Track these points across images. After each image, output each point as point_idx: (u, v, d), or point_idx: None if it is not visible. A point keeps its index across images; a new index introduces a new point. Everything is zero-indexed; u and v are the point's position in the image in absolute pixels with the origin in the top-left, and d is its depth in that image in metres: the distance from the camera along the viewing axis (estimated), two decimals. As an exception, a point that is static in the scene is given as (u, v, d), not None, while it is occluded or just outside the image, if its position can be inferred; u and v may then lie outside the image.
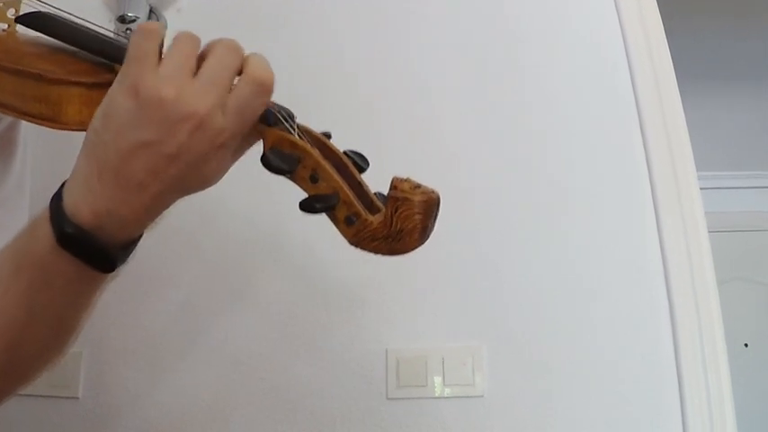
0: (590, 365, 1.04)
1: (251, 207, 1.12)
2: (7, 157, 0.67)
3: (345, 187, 0.49)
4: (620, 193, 1.12)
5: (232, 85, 0.48)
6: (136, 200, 0.48)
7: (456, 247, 1.08)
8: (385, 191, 0.49)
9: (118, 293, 1.06)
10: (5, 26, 0.56)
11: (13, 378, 0.56)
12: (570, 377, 1.04)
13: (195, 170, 0.48)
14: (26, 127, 0.68)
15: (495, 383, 1.04)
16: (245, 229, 1.12)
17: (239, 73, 0.49)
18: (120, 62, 0.49)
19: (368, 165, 0.52)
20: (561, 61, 1.19)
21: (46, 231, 0.48)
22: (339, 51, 1.20)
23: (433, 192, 0.48)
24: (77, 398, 1.07)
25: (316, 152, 0.49)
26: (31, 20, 0.54)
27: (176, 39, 0.48)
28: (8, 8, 0.56)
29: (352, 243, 0.49)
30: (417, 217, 0.47)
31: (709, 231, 1.10)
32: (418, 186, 0.48)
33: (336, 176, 0.49)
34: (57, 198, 0.49)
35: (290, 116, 0.50)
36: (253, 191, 1.08)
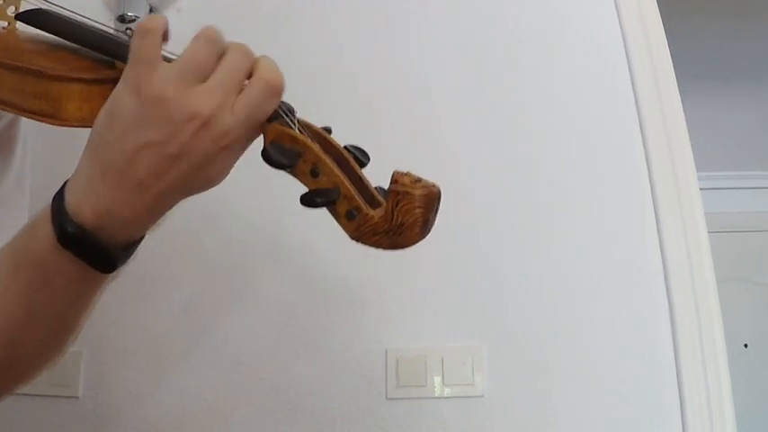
0: (590, 365, 1.04)
1: (252, 208, 1.12)
2: (7, 155, 0.67)
3: (346, 182, 0.48)
4: (619, 194, 1.12)
5: (241, 87, 0.48)
6: (138, 201, 0.47)
7: (456, 247, 1.08)
8: (385, 187, 0.49)
9: (118, 293, 1.06)
10: (5, 24, 0.56)
11: (11, 376, 0.56)
12: (570, 377, 1.04)
13: (198, 171, 0.48)
14: (26, 124, 0.68)
15: (494, 383, 1.04)
16: (245, 230, 1.12)
17: (249, 76, 0.48)
18: (121, 58, 0.48)
19: (368, 159, 0.52)
20: (561, 61, 1.19)
21: (46, 230, 0.48)
22: (339, 51, 1.20)
23: (433, 185, 0.48)
24: (77, 397, 1.07)
25: (316, 147, 0.49)
26: (31, 17, 0.54)
27: (194, 39, 0.48)
28: (8, 6, 0.56)
29: (353, 237, 0.49)
30: (418, 211, 0.47)
31: (709, 231, 1.10)
32: (419, 180, 0.48)
33: (337, 171, 0.49)
34: (58, 197, 0.49)
35: (291, 111, 0.50)
36: (254, 192, 1.08)
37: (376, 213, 0.48)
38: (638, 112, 1.14)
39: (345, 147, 0.51)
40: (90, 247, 0.48)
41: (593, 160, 1.14)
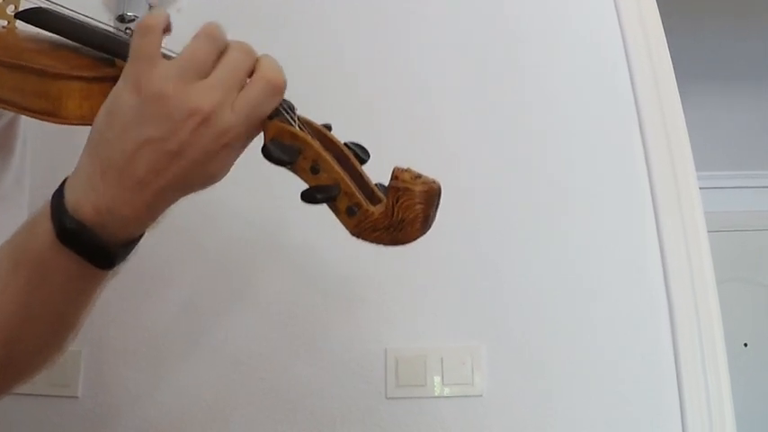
0: (590, 365, 1.04)
1: (252, 207, 1.12)
2: (6, 154, 0.67)
3: (346, 178, 0.49)
4: (619, 193, 1.12)
5: (243, 85, 0.48)
6: (138, 198, 0.47)
7: (456, 247, 1.08)
8: (386, 184, 0.49)
9: (118, 292, 1.06)
10: (5, 23, 0.56)
11: (11, 374, 0.55)
12: (570, 377, 1.04)
13: (198, 168, 0.48)
14: (26, 123, 0.68)
15: (494, 383, 1.05)
16: (245, 229, 1.12)
17: (250, 75, 0.48)
18: (121, 56, 0.48)
19: (368, 156, 0.52)
20: (561, 61, 1.19)
21: (46, 227, 0.48)
22: (339, 51, 1.20)
23: (434, 181, 0.48)
24: (77, 397, 1.07)
25: (316, 143, 0.49)
26: (31, 15, 0.54)
27: (195, 35, 0.48)
28: (8, 5, 0.56)
29: (353, 234, 0.49)
30: (419, 207, 0.47)
31: (709, 231, 1.10)
32: (419, 176, 0.48)
33: (337, 167, 0.49)
34: (58, 195, 0.49)
35: (291, 108, 0.50)
36: (254, 191, 1.08)
37: (376, 209, 0.48)
38: (638, 112, 1.14)
39: (345, 143, 0.51)
40: (89, 243, 0.48)
41: (592, 160, 1.14)
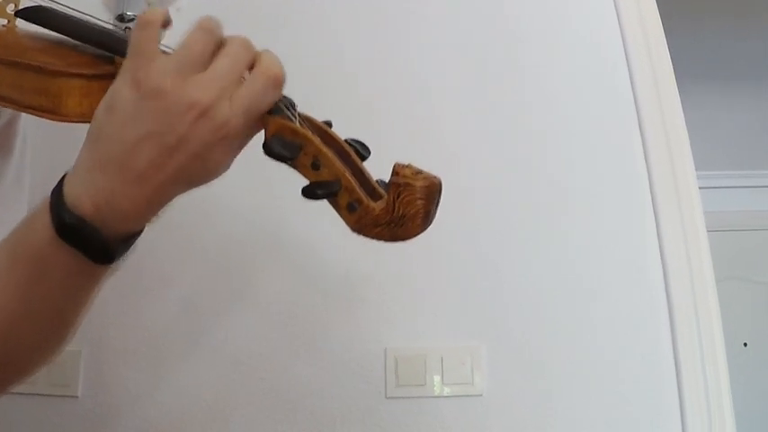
0: (589, 365, 1.05)
1: (252, 207, 1.12)
2: (6, 152, 0.67)
3: (347, 174, 0.48)
4: (619, 193, 1.12)
5: (241, 79, 0.48)
6: (138, 193, 0.47)
7: (456, 247, 1.08)
8: (386, 180, 0.49)
9: (118, 291, 1.06)
10: (5, 22, 0.57)
11: (10, 371, 0.55)
12: (570, 377, 1.04)
13: (197, 162, 0.47)
14: (26, 120, 0.68)
15: (494, 383, 1.05)
16: (245, 229, 1.12)
17: (250, 69, 0.48)
18: (120, 54, 0.49)
19: (369, 153, 0.52)
20: (561, 61, 1.19)
21: (45, 223, 0.48)
22: (339, 51, 1.20)
23: (435, 177, 0.48)
24: (77, 397, 1.07)
25: (317, 139, 0.49)
26: (31, 14, 0.54)
27: (191, 29, 0.48)
28: (8, 4, 0.56)
29: (354, 230, 0.49)
30: (420, 202, 0.47)
31: (709, 231, 1.10)
32: (420, 172, 0.48)
33: (338, 163, 0.48)
34: (57, 190, 0.49)
35: (292, 105, 0.50)
36: (254, 191, 1.08)
37: (377, 205, 0.48)
38: (638, 112, 1.14)
39: (346, 140, 0.51)
40: (88, 238, 0.48)
41: (592, 160, 1.14)
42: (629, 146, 1.13)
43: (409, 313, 1.08)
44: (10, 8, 0.56)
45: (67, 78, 0.52)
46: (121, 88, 0.47)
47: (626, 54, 1.17)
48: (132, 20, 1.15)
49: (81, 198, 0.47)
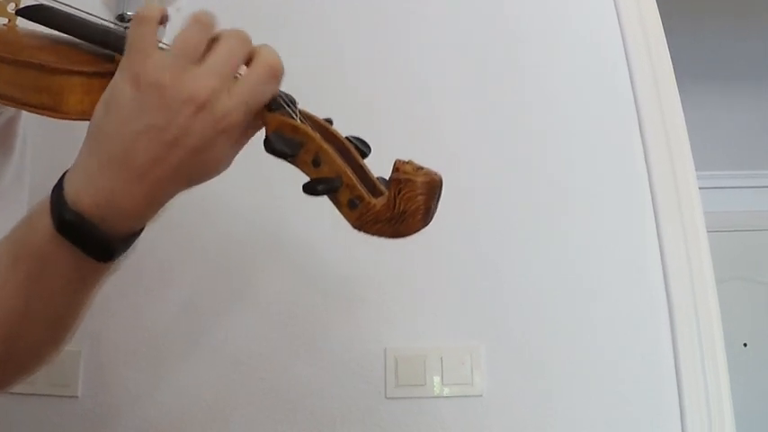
0: (589, 365, 1.05)
1: (252, 207, 1.12)
2: (6, 151, 0.67)
3: (348, 171, 0.48)
4: (619, 193, 1.12)
5: (239, 72, 0.48)
6: (137, 190, 0.47)
7: (456, 247, 1.08)
8: (386, 178, 0.49)
9: (118, 290, 1.06)
10: (6, 20, 0.57)
11: (11, 370, 0.55)
12: (570, 377, 1.04)
13: (197, 156, 0.47)
14: (26, 119, 0.68)
15: (493, 383, 1.05)
16: (245, 229, 1.12)
17: (248, 63, 0.48)
18: (120, 51, 0.49)
19: (370, 150, 0.52)
20: (561, 61, 1.19)
21: (45, 221, 0.48)
22: (339, 51, 1.20)
23: (435, 173, 0.48)
24: (77, 397, 1.07)
25: (318, 136, 0.49)
26: (32, 12, 0.54)
27: (185, 24, 0.48)
28: (8, 3, 0.56)
29: (355, 227, 0.49)
30: (420, 198, 0.47)
31: (708, 231, 1.10)
32: (420, 168, 0.48)
33: (339, 160, 0.49)
34: (57, 188, 0.49)
35: (292, 101, 0.51)
36: (254, 191, 1.08)
37: (378, 202, 0.48)
38: (638, 112, 1.14)
39: (347, 137, 0.52)
40: (88, 236, 0.48)
41: (592, 160, 1.14)
42: (629, 146, 1.13)
43: (409, 313, 1.08)
44: (11, 7, 0.56)
45: (68, 76, 0.52)
46: (120, 85, 0.47)
47: (626, 54, 1.17)
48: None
49: (81, 195, 0.47)
